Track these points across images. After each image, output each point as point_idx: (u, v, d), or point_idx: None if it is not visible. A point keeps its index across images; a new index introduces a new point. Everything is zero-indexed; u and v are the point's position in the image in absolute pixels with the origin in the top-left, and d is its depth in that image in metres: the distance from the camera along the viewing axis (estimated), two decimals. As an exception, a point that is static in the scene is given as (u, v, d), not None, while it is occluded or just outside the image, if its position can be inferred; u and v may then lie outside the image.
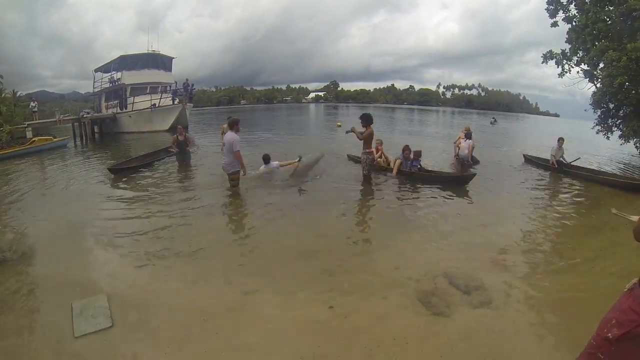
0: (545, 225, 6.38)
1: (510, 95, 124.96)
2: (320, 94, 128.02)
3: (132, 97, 25.17)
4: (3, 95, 17.27)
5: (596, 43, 12.85)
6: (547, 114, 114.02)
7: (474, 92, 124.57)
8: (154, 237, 5.54)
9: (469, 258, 4.85)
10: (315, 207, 7.16)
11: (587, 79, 13.82)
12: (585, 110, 14.56)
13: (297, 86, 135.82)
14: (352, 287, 4.05)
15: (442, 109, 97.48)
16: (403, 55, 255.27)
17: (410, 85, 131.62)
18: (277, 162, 9.32)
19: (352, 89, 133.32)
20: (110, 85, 28.25)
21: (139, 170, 10.23)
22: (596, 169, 10.98)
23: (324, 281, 4.21)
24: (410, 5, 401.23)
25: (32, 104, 25.05)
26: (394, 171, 9.37)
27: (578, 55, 13.91)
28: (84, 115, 22.84)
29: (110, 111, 25.97)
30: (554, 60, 14.37)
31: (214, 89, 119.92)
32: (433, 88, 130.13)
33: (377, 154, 9.88)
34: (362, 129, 8.41)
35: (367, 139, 8.47)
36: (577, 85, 14.38)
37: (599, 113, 13.90)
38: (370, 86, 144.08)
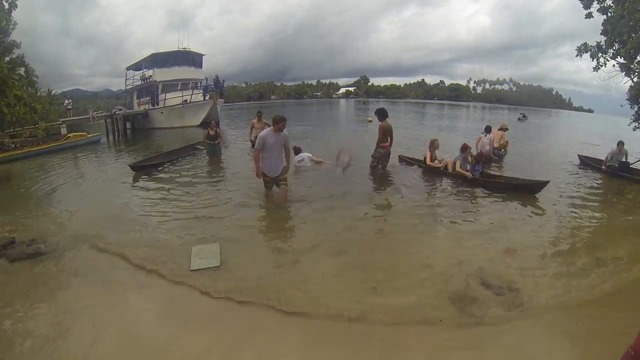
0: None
1: (543, 90, 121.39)
2: (350, 89, 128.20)
3: (164, 94, 25.97)
4: (39, 94, 18.23)
5: (633, 35, 12.41)
6: (580, 109, 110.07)
7: (505, 87, 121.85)
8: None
9: (501, 259, 4.78)
10: (349, 203, 7.05)
11: (624, 72, 13.34)
12: (621, 106, 14.05)
13: (327, 81, 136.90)
14: (382, 286, 4.05)
15: (472, 104, 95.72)
16: (433, 49, 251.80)
17: (441, 80, 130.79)
18: (308, 154, 9.52)
19: (382, 84, 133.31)
20: (142, 82, 29.19)
21: (164, 166, 10.38)
22: None
23: (355, 278, 4.23)
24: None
25: (66, 101, 26.35)
26: (456, 170, 8.64)
27: (614, 47, 13.45)
28: (117, 112, 23.76)
29: (142, 107, 26.84)
30: (589, 53, 13.92)
31: (244, 85, 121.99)
32: (463, 83, 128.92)
33: (430, 158, 9.44)
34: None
35: (383, 134, 8.88)
36: (613, 79, 13.88)
37: (636, 109, 13.44)
38: (400, 81, 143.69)
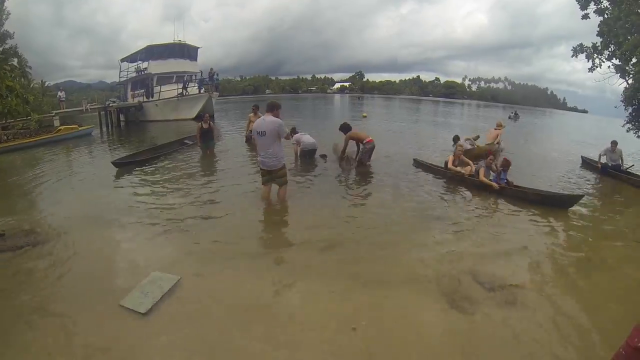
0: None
1: (537, 90, 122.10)
2: (345, 84, 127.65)
3: (159, 86, 25.78)
4: (32, 85, 18.08)
5: (629, 37, 12.44)
6: (575, 109, 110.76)
7: (500, 85, 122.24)
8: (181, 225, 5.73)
9: (496, 256, 4.87)
10: (344, 199, 7.20)
11: (619, 74, 13.41)
12: (615, 107, 14.13)
13: (322, 76, 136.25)
14: (375, 280, 4.10)
15: (467, 101, 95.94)
16: (429, 46, 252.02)
17: (436, 78, 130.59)
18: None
19: (377, 80, 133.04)
20: (137, 74, 28.88)
21: (151, 162, 10.06)
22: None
23: (346, 273, 4.26)
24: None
25: (59, 93, 26.15)
26: (480, 179, 7.91)
27: (609, 49, 13.51)
28: (110, 104, 23.51)
29: (136, 100, 26.61)
30: (584, 54, 13.99)
31: (239, 79, 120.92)
32: (459, 81, 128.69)
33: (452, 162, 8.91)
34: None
35: (356, 137, 9.48)
36: (608, 80, 13.97)
37: (630, 110, 13.51)
38: (395, 77, 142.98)
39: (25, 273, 4.20)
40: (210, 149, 11.22)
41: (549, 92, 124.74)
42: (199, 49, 30.32)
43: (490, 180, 7.83)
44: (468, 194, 7.80)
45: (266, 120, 5.87)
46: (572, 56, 14.23)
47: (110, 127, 21.35)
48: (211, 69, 26.73)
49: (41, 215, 6.23)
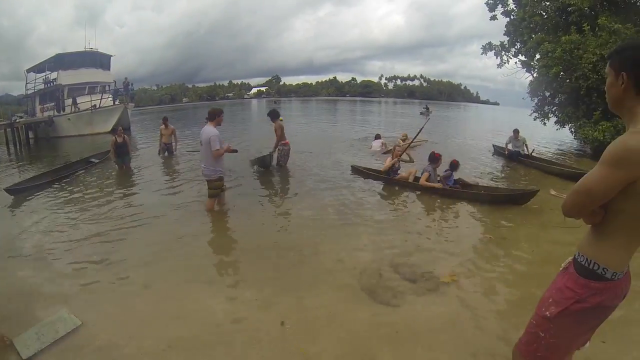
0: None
1: (452, 85, 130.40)
2: (262, 89, 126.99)
3: (70, 99, 23.60)
4: None
5: (533, 35, 13.57)
6: (487, 102, 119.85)
7: (416, 82, 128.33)
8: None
9: (413, 248, 4.92)
10: (254, 206, 6.88)
11: (525, 69, 14.60)
12: (523, 99, 15.45)
13: (239, 82, 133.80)
14: (295, 284, 3.96)
15: (384, 99, 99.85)
16: (346, 47, 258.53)
17: (353, 78, 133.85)
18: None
19: (294, 83, 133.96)
20: (45, 86, 26.29)
21: (53, 185, 8.72)
22: (548, 159, 11.43)
23: (267, 278, 4.11)
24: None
25: (-45, 110, 22.95)
26: (422, 183, 7.53)
27: (516, 47, 14.66)
28: (17, 120, 21.10)
29: (46, 114, 24.17)
30: (493, 51, 15.05)
31: (155, 88, 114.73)
32: (375, 80, 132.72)
33: (394, 158, 8.44)
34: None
35: (279, 133, 9.30)
36: (516, 75, 15.20)
37: (536, 101, 14.75)
38: (312, 79, 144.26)
39: None
40: (126, 164, 10.28)
41: (462, 87, 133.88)
42: (112, 57, 28.39)
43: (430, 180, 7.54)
44: (388, 194, 7.82)
45: (204, 130, 5.92)
46: (482, 54, 15.31)
47: (18, 146, 19.09)
48: (125, 79, 25.42)
49: None
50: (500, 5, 14.96)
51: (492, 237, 5.32)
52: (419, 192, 7.61)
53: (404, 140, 12.15)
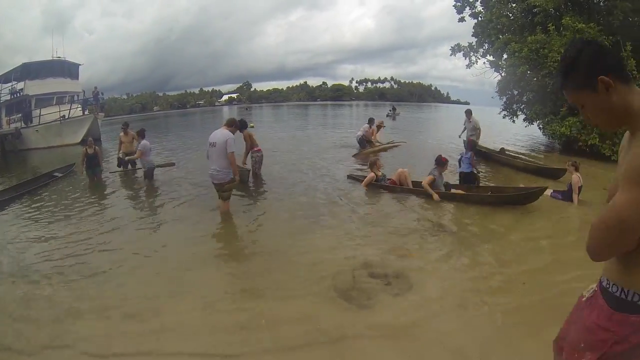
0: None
1: (423, 87, 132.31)
2: (233, 95, 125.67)
3: (38, 110, 22.79)
4: None
5: (500, 36, 13.96)
6: (458, 102, 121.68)
7: (387, 85, 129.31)
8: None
9: (384, 249, 4.98)
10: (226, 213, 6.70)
11: (493, 69, 15.00)
12: (492, 98, 15.84)
13: (210, 89, 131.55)
14: (270, 290, 3.97)
15: (355, 102, 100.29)
16: (317, 52, 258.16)
17: (324, 82, 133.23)
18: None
19: (265, 89, 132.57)
20: (12, 97, 25.39)
21: (13, 202, 8.23)
22: (517, 156, 11.64)
23: (240, 286, 4.14)
24: (328, 3, 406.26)
25: None
26: (425, 186, 7.14)
27: (484, 47, 15.04)
28: (-19, 133, 20.30)
29: (12, 126, 23.33)
30: (462, 52, 15.41)
31: (125, 97, 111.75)
32: (346, 83, 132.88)
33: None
34: None
35: (250, 140, 9.26)
36: (484, 74, 15.58)
37: (504, 99, 15.17)
38: (283, 85, 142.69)
39: None
40: (98, 176, 10.02)
41: (433, 88, 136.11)
42: (80, 66, 27.61)
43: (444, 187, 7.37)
44: (369, 196, 7.82)
45: (219, 133, 6.02)
46: (450, 55, 15.65)
47: (-17, 161, 18.33)
48: (95, 88, 24.88)
49: None
50: (468, 8, 15.36)
51: (472, 233, 5.52)
52: (408, 194, 7.57)
53: (379, 128, 13.49)
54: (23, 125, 22.91)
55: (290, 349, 3.01)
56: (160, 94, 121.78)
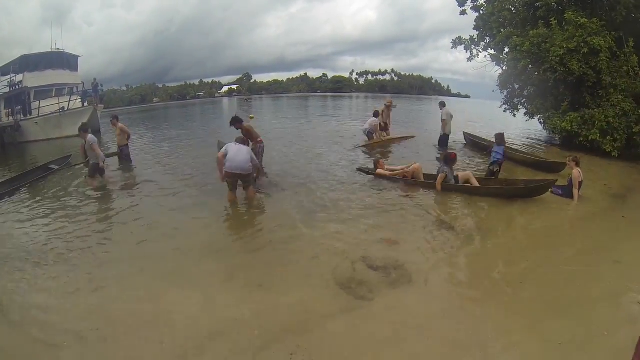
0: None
1: (423, 79, 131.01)
2: (233, 87, 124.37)
3: (37, 102, 22.70)
4: None
5: (502, 30, 13.88)
6: (458, 95, 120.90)
7: (387, 77, 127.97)
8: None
9: (384, 241, 5.00)
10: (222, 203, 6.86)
11: (494, 62, 14.90)
12: (493, 91, 15.76)
13: (210, 80, 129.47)
14: (271, 282, 4.00)
15: (355, 94, 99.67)
16: (319, 43, 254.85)
17: (324, 74, 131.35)
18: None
19: (265, 80, 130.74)
20: (11, 89, 25.26)
21: (18, 194, 8.30)
22: (519, 149, 11.57)
23: (242, 278, 4.15)
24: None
25: None
26: (438, 187, 7.33)
27: (485, 41, 14.95)
28: (-20, 126, 20.20)
29: (11, 119, 23.28)
30: (463, 45, 15.33)
31: (124, 88, 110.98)
32: (346, 75, 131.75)
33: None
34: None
35: (250, 133, 8.97)
36: (486, 68, 15.49)
37: (505, 93, 15.11)
38: (283, 76, 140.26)
39: None
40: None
41: (434, 81, 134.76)
42: (79, 58, 27.42)
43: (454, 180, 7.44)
44: (376, 189, 7.81)
45: (240, 153, 6.51)
46: (452, 48, 15.59)
47: (-17, 153, 18.27)
48: (94, 79, 24.69)
49: None
50: (470, 1, 15.25)
51: (469, 228, 5.54)
52: (416, 186, 7.70)
53: (388, 107, 13.93)
54: (22, 117, 22.86)
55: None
56: (160, 86, 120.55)
